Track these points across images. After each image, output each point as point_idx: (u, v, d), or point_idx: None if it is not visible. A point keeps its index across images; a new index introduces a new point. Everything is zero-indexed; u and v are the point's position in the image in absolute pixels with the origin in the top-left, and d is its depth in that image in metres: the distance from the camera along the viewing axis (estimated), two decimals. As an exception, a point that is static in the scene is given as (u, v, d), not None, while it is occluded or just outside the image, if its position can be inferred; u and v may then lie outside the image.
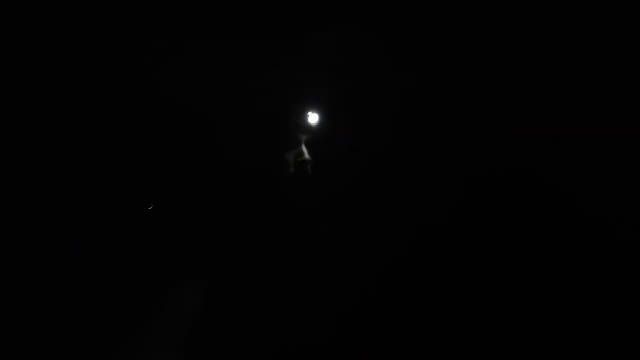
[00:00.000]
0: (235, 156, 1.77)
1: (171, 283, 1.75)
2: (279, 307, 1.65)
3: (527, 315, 1.79)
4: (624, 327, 1.70)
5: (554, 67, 1.93)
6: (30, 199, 1.80)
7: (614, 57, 1.85)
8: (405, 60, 1.89)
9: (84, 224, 1.83)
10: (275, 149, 1.74)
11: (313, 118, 1.73)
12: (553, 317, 1.77)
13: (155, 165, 1.86)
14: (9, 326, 1.66)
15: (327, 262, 1.71)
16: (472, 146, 1.92)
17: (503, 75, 1.95)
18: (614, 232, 1.83)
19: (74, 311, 1.72)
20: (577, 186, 1.90)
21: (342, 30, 1.84)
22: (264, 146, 1.75)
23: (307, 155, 1.69)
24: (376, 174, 1.88)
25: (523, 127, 1.95)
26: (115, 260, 1.80)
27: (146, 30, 1.83)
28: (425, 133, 1.90)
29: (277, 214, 1.72)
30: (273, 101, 1.76)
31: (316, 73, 1.80)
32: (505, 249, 1.87)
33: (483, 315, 1.79)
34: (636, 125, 1.84)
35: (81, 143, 1.87)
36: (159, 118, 1.87)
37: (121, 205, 1.87)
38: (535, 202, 1.91)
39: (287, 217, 1.72)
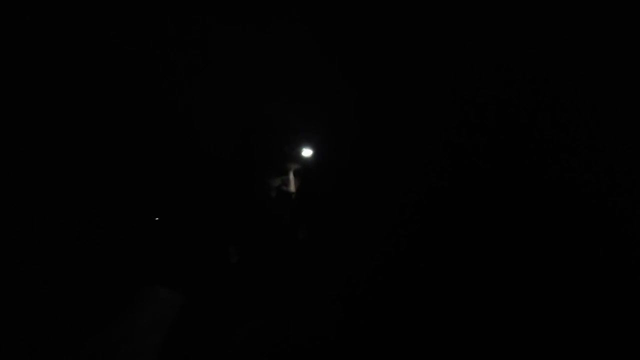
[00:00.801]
0: (220, 166, 1.77)
1: (149, 287, 1.73)
2: (263, 310, 1.63)
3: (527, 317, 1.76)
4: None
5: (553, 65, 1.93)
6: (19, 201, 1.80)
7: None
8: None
9: (71, 226, 1.82)
10: (261, 167, 1.74)
11: (306, 152, 1.73)
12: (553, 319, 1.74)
13: (140, 168, 1.86)
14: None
15: (309, 268, 1.70)
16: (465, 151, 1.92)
17: (499, 73, 1.95)
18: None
19: (51, 312, 1.70)
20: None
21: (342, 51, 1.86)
22: (249, 160, 1.75)
23: (292, 187, 1.69)
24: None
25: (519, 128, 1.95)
26: (99, 263, 1.79)
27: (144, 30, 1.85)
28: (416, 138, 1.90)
29: (257, 222, 1.70)
30: (266, 131, 1.77)
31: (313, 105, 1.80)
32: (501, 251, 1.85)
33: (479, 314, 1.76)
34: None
35: (72, 141, 1.88)
36: (147, 119, 1.88)
37: (107, 208, 1.87)
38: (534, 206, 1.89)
39: (268, 225, 1.70)
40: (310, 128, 1.78)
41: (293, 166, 1.74)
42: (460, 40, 1.95)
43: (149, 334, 1.57)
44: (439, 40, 1.93)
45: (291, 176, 1.74)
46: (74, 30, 1.81)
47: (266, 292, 1.58)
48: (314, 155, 1.75)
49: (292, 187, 1.70)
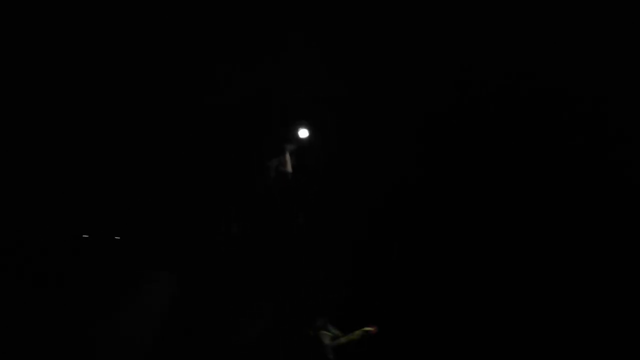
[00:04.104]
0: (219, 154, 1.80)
1: (142, 279, 1.73)
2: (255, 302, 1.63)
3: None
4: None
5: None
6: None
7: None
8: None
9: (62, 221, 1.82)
10: (260, 152, 1.78)
11: (302, 132, 1.81)
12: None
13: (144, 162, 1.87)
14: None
15: (304, 257, 1.71)
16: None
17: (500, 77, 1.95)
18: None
19: (41, 306, 1.70)
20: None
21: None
22: (248, 146, 1.79)
23: (289, 167, 1.74)
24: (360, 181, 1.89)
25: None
26: (91, 256, 1.79)
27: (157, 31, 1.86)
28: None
29: (255, 210, 1.72)
30: (264, 108, 1.81)
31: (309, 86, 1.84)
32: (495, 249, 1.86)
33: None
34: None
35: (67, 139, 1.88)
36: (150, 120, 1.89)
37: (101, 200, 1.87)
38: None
39: (266, 212, 1.72)
40: (308, 110, 1.85)
41: (289, 146, 1.82)
42: (458, 41, 1.95)
43: (147, 325, 1.58)
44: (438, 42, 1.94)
45: (287, 156, 1.82)
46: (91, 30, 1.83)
47: (266, 284, 1.59)
48: (309, 136, 1.83)
49: (289, 167, 1.77)
